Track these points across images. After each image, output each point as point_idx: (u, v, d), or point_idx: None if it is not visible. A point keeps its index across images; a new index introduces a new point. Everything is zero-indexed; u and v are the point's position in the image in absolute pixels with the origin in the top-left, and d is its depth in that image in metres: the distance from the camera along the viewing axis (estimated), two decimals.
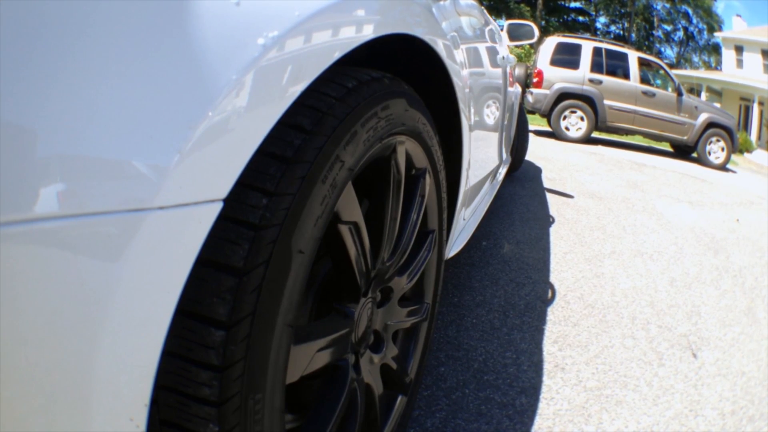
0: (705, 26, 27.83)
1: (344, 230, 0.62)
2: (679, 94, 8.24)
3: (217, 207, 0.40)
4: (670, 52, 29.73)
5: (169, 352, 0.43)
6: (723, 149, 8.40)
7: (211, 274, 0.43)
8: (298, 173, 0.48)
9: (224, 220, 0.44)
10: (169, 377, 0.43)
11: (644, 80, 8.44)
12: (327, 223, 0.54)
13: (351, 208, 0.62)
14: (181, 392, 0.43)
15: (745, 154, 15.22)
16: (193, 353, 0.43)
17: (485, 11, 1.98)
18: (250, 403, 0.46)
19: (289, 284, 0.47)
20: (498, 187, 2.30)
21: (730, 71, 20.90)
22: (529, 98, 7.90)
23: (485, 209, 1.82)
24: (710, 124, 8.33)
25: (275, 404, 0.50)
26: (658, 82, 9.16)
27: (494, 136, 2.09)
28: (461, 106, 1.03)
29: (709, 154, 8.38)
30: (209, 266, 0.43)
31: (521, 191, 3.57)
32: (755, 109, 18.53)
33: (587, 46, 8.07)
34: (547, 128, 8.20)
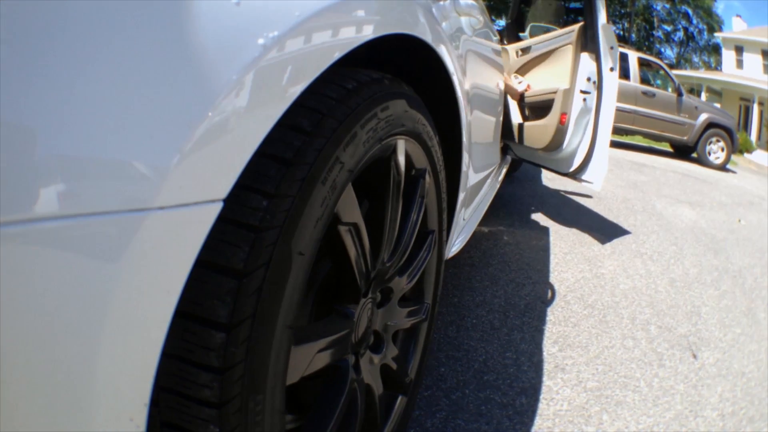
0: (705, 26, 27.83)
1: (344, 231, 0.62)
2: (679, 94, 8.24)
3: (217, 207, 0.40)
4: (670, 52, 29.73)
5: (170, 354, 0.43)
6: (723, 149, 8.40)
7: (212, 277, 0.43)
8: (298, 175, 0.48)
9: (224, 222, 0.44)
10: (170, 379, 0.43)
11: (644, 80, 8.45)
12: (327, 225, 0.54)
13: (351, 210, 0.62)
14: (182, 394, 0.43)
15: (745, 155, 15.21)
16: (193, 355, 0.43)
17: (485, 11, 1.98)
18: (251, 405, 0.46)
19: (289, 286, 0.47)
20: (498, 187, 2.30)
21: (730, 71, 20.90)
22: None
23: (485, 209, 1.82)
24: (710, 125, 8.33)
25: (276, 405, 0.50)
26: (658, 82, 9.17)
27: (495, 136, 2.09)
28: (461, 105, 1.03)
29: (709, 154, 8.38)
30: (209, 268, 0.43)
31: (521, 191, 3.57)
32: (755, 110, 18.52)
33: None
34: None
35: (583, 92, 2.23)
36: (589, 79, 2.23)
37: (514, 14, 3.37)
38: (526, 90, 2.61)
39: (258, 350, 0.45)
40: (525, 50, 2.79)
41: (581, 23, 2.26)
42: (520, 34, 3.30)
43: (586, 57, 2.20)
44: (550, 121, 2.36)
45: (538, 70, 2.66)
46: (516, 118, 2.74)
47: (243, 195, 0.45)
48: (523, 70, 2.78)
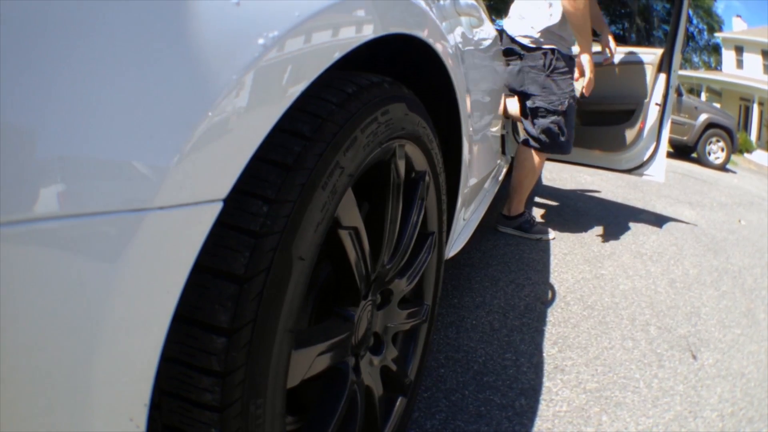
0: (705, 26, 27.77)
1: (344, 235, 0.62)
2: (679, 94, 8.24)
3: (218, 207, 0.41)
4: None
5: (171, 358, 0.43)
6: (723, 149, 8.41)
7: (213, 282, 0.43)
8: (299, 180, 0.48)
9: (225, 227, 0.44)
10: (172, 383, 0.43)
11: None
12: (327, 229, 0.54)
13: (351, 213, 0.63)
14: (183, 397, 0.44)
15: (745, 155, 15.22)
16: (195, 359, 0.43)
17: (485, 11, 1.98)
18: (252, 408, 0.46)
19: (289, 291, 0.48)
20: (498, 186, 2.31)
21: (730, 71, 20.90)
22: None
23: (485, 209, 1.82)
24: (710, 125, 8.34)
25: (276, 408, 0.50)
26: None
27: (495, 136, 2.09)
28: (461, 106, 1.03)
29: (709, 154, 8.38)
30: (211, 273, 0.44)
31: None
32: (755, 110, 18.53)
33: None
34: None
35: (657, 104, 2.77)
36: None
37: None
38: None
39: (259, 354, 0.46)
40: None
41: (663, 50, 2.80)
42: None
43: (661, 76, 2.75)
44: (631, 127, 2.84)
45: (597, 79, 3.03)
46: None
47: (244, 200, 0.46)
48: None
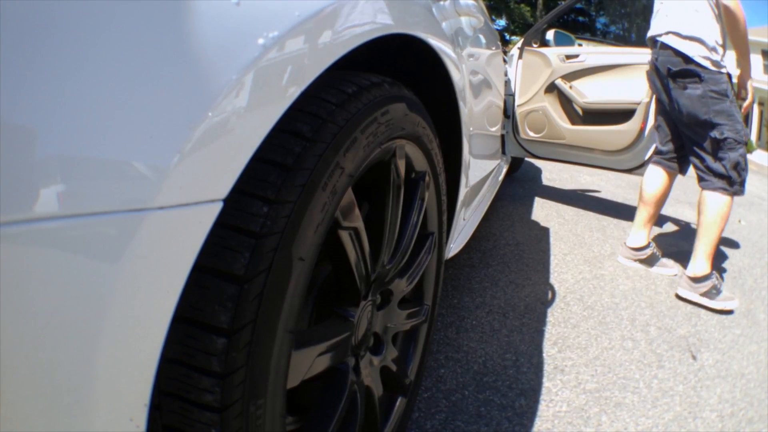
0: None
1: (344, 236, 0.62)
2: None
3: (218, 207, 0.41)
4: None
5: (171, 359, 0.43)
6: None
7: (213, 282, 0.43)
8: (299, 181, 0.49)
9: (226, 228, 0.44)
10: (172, 383, 0.43)
11: None
12: (327, 230, 0.54)
13: (351, 214, 0.63)
14: (183, 398, 0.44)
15: None
16: (195, 360, 0.43)
17: (485, 11, 1.99)
18: (252, 409, 0.46)
19: (290, 291, 0.48)
20: (498, 186, 2.31)
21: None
22: None
23: (485, 209, 1.82)
24: None
25: (276, 409, 0.50)
26: None
27: (495, 136, 2.10)
28: (461, 106, 1.03)
29: None
30: (211, 274, 0.44)
31: (521, 191, 3.57)
32: (755, 110, 18.53)
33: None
34: None
35: None
36: None
37: (555, 19, 3.40)
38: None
39: (259, 355, 0.46)
40: (571, 57, 3.06)
41: None
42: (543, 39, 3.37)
43: None
44: (632, 127, 2.80)
45: (597, 80, 3.01)
46: (564, 123, 2.90)
47: (244, 201, 0.46)
48: (571, 77, 3.04)
